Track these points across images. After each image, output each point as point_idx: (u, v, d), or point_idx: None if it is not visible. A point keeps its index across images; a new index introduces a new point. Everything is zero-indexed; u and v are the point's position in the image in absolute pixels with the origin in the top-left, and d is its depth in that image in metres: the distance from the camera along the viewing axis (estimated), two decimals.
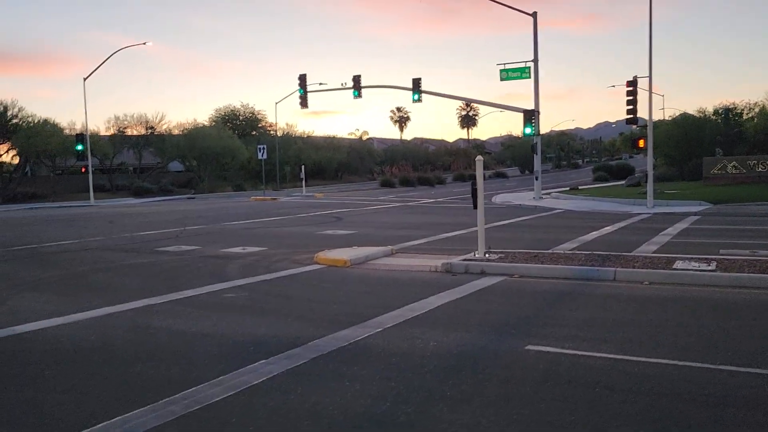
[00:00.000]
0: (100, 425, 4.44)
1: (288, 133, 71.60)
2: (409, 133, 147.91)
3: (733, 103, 45.98)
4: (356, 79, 36.98)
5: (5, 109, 50.13)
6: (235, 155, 57.50)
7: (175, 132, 59.90)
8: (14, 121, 50.91)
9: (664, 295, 8.62)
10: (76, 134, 44.77)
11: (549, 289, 9.31)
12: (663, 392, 4.92)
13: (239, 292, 9.55)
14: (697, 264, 10.11)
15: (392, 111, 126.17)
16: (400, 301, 8.51)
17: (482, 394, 4.96)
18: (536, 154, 32.58)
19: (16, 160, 54.30)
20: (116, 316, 8.05)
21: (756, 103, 44.45)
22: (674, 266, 10.05)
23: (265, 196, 41.39)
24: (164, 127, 59.97)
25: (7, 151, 51.22)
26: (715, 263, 10.13)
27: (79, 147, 42.12)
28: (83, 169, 45.49)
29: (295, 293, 9.44)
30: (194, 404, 4.84)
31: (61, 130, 52.27)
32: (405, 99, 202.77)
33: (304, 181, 47.50)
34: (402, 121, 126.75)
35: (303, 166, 48.40)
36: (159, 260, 13.07)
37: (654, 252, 12.37)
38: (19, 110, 51.65)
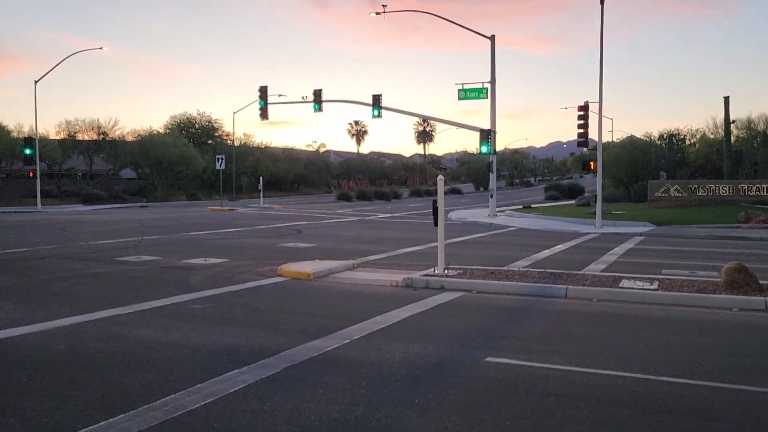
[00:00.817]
0: (88, 428, 4.64)
1: (245, 143, 71.26)
2: (367, 147, 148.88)
3: (677, 129, 48.13)
4: (317, 93, 37.32)
5: None
6: (191, 164, 56.95)
7: (129, 138, 58.93)
8: None
9: (611, 312, 9.22)
10: (25, 138, 43.64)
11: (506, 304, 9.82)
12: (610, 400, 5.41)
13: (206, 303, 9.73)
14: (641, 283, 10.79)
15: (350, 124, 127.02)
16: (364, 314, 8.85)
17: (447, 402, 5.35)
18: (492, 172, 33.47)
19: None
20: (84, 325, 8.14)
21: (698, 129, 46.72)
22: (620, 285, 10.71)
23: (222, 206, 41.13)
24: (117, 133, 58.92)
25: None
26: (657, 282, 10.84)
27: (28, 151, 41.10)
28: (31, 174, 44.25)
29: (261, 305, 9.67)
30: (175, 410, 5.08)
31: (8, 132, 50.82)
32: (363, 113, 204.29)
33: (261, 193, 47.39)
34: (359, 134, 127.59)
35: (261, 178, 48.29)
36: (120, 270, 13.07)
37: (602, 271, 13.06)
38: None
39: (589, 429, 4.78)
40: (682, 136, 47.51)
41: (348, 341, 7.36)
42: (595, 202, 26.86)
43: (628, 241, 20.08)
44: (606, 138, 60.64)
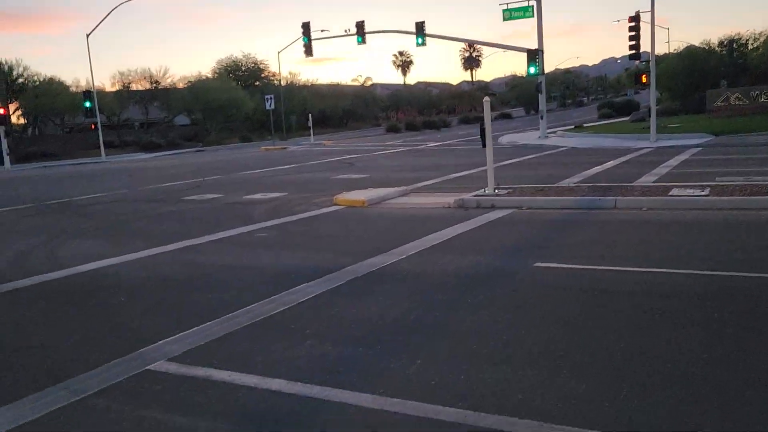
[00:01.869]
0: (182, 333, 5.36)
1: (292, 82, 71.54)
2: (413, 78, 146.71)
3: (738, 34, 45.68)
4: (359, 25, 37.01)
5: (10, 69, 50.43)
6: (240, 106, 57.84)
7: (180, 85, 60.14)
8: (20, 80, 51.32)
9: (659, 219, 9.43)
10: (84, 91, 45.13)
11: (555, 218, 10.13)
12: (652, 292, 5.79)
13: (269, 231, 10.42)
14: (691, 190, 10.88)
15: (395, 55, 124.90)
16: (418, 233, 9.36)
17: (497, 302, 5.84)
18: (541, 93, 32.91)
19: (23, 121, 54.89)
20: (162, 255, 8.95)
21: (761, 32, 44.16)
22: (670, 193, 10.82)
23: (275, 145, 42.00)
24: (168, 80, 60.21)
25: (14, 111, 51.72)
26: (708, 189, 10.90)
27: (87, 104, 42.56)
28: (93, 126, 45.97)
29: (321, 231, 10.31)
30: (255, 317, 5.75)
31: (67, 87, 52.67)
32: (408, 42, 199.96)
33: (311, 130, 47.96)
34: (405, 65, 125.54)
35: (310, 115, 48.75)
36: (187, 208, 13.94)
37: (653, 182, 13.11)
38: (24, 69, 51.99)
39: (630, 317, 5.19)
40: (744, 41, 45.09)
41: (404, 257, 7.90)
42: (650, 116, 26.25)
43: (683, 153, 19.76)
44: (662, 49, 57.89)
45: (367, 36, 37.24)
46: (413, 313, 5.66)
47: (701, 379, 3.97)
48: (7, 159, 38.12)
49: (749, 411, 3.53)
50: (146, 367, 4.68)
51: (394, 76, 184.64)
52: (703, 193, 10.53)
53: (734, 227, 8.57)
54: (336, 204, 13.09)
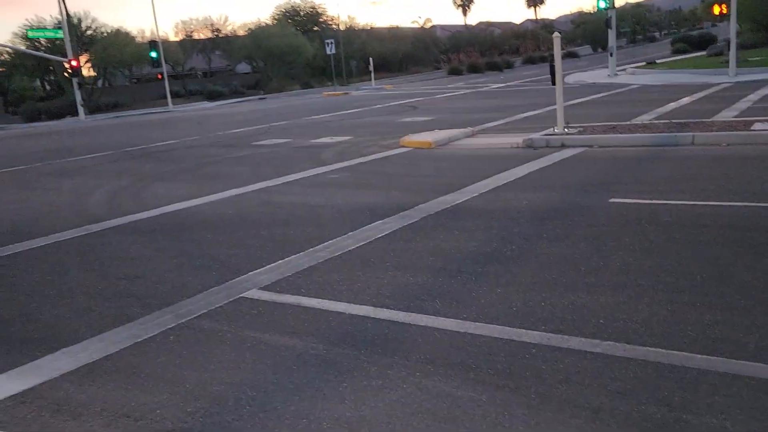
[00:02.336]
0: (269, 265, 5.69)
1: (350, 26, 70.85)
2: (474, 18, 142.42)
3: None
4: None
5: (79, 21, 51.87)
6: (300, 52, 57.84)
7: (240, 33, 60.60)
8: (89, 32, 52.81)
9: (739, 154, 9.12)
10: (149, 42, 46.09)
11: (628, 155, 9.94)
12: (731, 225, 5.71)
13: (340, 173, 10.66)
14: None
15: None
16: (488, 172, 9.38)
17: (573, 235, 5.89)
18: (610, 28, 31.51)
19: (93, 72, 56.70)
20: (242, 196, 9.33)
21: None
22: (752, 128, 10.39)
23: (336, 91, 42.08)
24: (229, 28, 60.78)
25: (85, 63, 53.46)
26: None
27: (154, 54, 43.48)
28: (159, 76, 47.10)
29: (391, 171, 10.47)
30: (336, 251, 6.01)
31: (133, 38, 53.89)
32: None
33: (372, 74, 47.67)
34: (465, 4, 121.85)
35: (371, 59, 48.36)
36: (258, 152, 14.34)
37: (734, 117, 12.58)
38: (92, 21, 53.42)
39: (711, 247, 5.16)
40: None
41: (477, 194, 7.98)
42: (729, 50, 24.80)
43: (765, 87, 18.72)
44: None
45: None
46: (490, 245, 5.80)
47: None
48: (81, 110, 39.76)
49: None
50: (241, 295, 5.02)
51: (454, 17, 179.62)
52: None
53: None
54: (403, 146, 13.19)
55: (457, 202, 7.66)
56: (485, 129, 14.70)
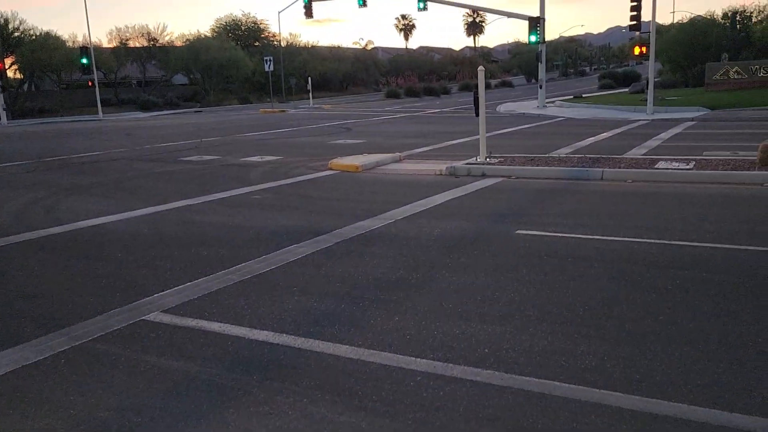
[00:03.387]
0: (178, 287, 5.68)
1: (292, 43, 70.87)
2: (415, 42, 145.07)
3: (743, 6, 45.33)
4: None
5: (6, 21, 49.86)
6: (239, 67, 57.42)
7: (178, 44, 59.59)
8: (16, 34, 50.79)
9: (643, 191, 9.72)
10: (81, 47, 44.76)
11: (542, 187, 10.41)
12: (622, 259, 6.10)
13: (264, 194, 10.69)
14: (677, 164, 11.14)
15: (397, 18, 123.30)
16: (408, 199, 9.64)
17: (477, 264, 6.15)
18: (540, 62, 32.82)
19: (19, 75, 54.46)
20: (161, 213, 9.23)
21: (766, 5, 43.83)
22: (656, 166, 11.09)
23: (273, 108, 41.94)
24: (167, 38, 59.70)
25: (10, 66, 51.30)
26: (693, 163, 11.16)
27: (84, 60, 42.26)
28: (90, 84, 45.75)
29: (314, 194, 10.58)
30: (247, 274, 6.06)
31: (64, 42, 52.15)
32: (410, 6, 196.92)
33: (311, 93, 47.82)
34: (407, 29, 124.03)
35: (309, 78, 48.53)
36: (185, 168, 14.17)
37: (643, 155, 13.35)
38: (21, 23, 51.37)
39: (599, 280, 5.51)
40: (747, 14, 44.71)
41: (392, 221, 8.19)
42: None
43: (676, 126, 19.94)
44: (666, 20, 57.13)
45: None
46: (397, 272, 5.98)
47: (654, 336, 4.29)
48: (3, 114, 38.09)
49: (686, 363, 3.86)
50: (142, 317, 5.00)
51: (396, 41, 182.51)
52: (687, 167, 10.80)
53: (714, 200, 8.85)
54: (331, 168, 13.33)
55: (373, 228, 7.84)
56: (413, 155, 15.04)
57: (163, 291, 5.61)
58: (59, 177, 13.33)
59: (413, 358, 4.11)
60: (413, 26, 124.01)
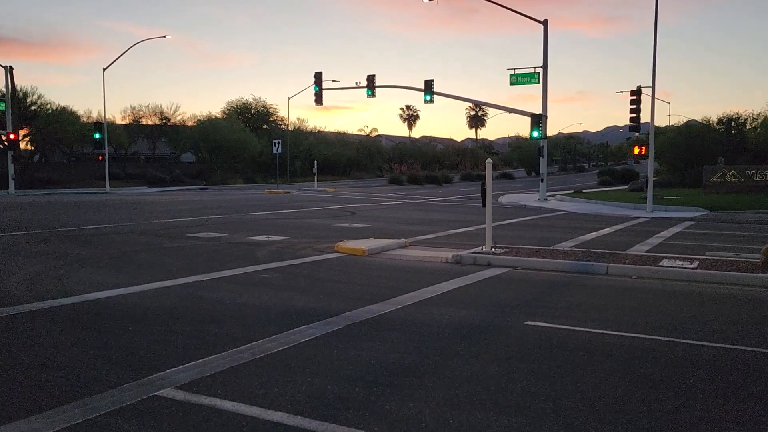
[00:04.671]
0: (189, 364, 5.68)
1: (299, 127, 72.94)
2: (418, 131, 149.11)
3: (737, 113, 47.06)
4: (370, 79, 38.14)
5: (24, 96, 51.52)
6: (247, 148, 58.83)
7: (189, 123, 61.37)
8: (33, 107, 52.36)
9: (647, 287, 9.81)
10: (94, 123, 46.05)
11: (548, 279, 10.51)
12: (632, 356, 6.13)
13: (272, 273, 10.78)
14: (681, 262, 11.29)
15: (402, 109, 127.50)
16: (415, 285, 9.72)
17: (488, 353, 6.17)
18: (542, 157, 33.71)
19: (31, 147, 55.66)
20: (170, 289, 9.28)
21: (759, 113, 45.52)
22: (660, 263, 11.23)
23: (279, 189, 42.63)
24: (179, 118, 61.54)
25: (23, 137, 52.55)
26: (697, 262, 11.31)
27: (97, 135, 43.35)
28: (100, 158, 46.70)
29: (322, 276, 10.66)
30: (258, 353, 6.06)
31: (78, 117, 53.70)
32: (416, 98, 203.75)
33: (315, 176, 48.73)
34: (411, 119, 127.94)
35: (315, 162, 49.60)
36: (193, 245, 14.31)
37: (646, 251, 13.54)
38: (38, 98, 53.08)
39: (612, 376, 5.52)
40: (742, 120, 46.42)
41: (401, 306, 8.24)
42: (647, 187, 26.88)
43: (676, 225, 20.27)
44: (663, 122, 59.34)
45: (376, 90, 38.34)
46: (408, 358, 5.99)
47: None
48: (12, 184, 38.65)
49: None
50: (155, 393, 4.98)
51: (400, 129, 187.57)
52: (691, 266, 10.95)
53: (720, 300, 8.94)
54: (337, 251, 13.47)
55: (383, 312, 7.89)
56: (418, 241, 15.22)
57: (175, 367, 5.60)
58: (68, 248, 13.44)
59: None
60: (417, 116, 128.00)
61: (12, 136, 39.97)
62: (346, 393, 5.05)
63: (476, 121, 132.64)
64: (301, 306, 8.21)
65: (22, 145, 53.33)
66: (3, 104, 41.66)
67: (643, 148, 28.12)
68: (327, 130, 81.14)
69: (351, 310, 7.91)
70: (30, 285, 9.35)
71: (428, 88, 36.60)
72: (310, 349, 6.28)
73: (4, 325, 7.01)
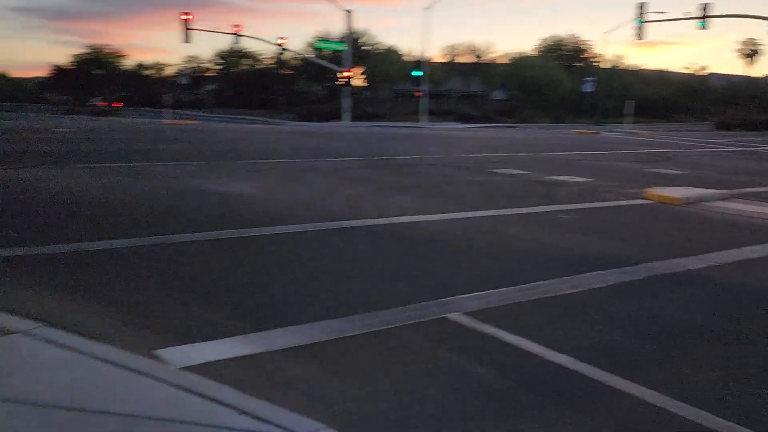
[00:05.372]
0: (479, 293, 5.85)
1: (615, 65, 68.06)
2: (761, 70, 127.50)
3: None
4: (703, 7, 33.49)
5: (357, 37, 57.51)
6: (557, 86, 57.26)
7: (502, 61, 61.89)
8: (365, 48, 58.29)
9: None
10: (415, 61, 49.40)
11: None
12: None
13: (571, 214, 10.43)
14: None
15: (741, 43, 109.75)
16: (737, 242, 8.48)
17: None
18: None
19: (363, 83, 62.31)
20: (471, 219, 9.63)
21: None
22: None
23: (587, 129, 40.89)
24: (491, 56, 62.46)
25: (359, 75, 59.05)
26: None
27: (415, 73, 46.52)
28: (417, 94, 50.17)
29: (625, 221, 9.98)
30: (547, 292, 5.96)
31: (400, 56, 58.20)
32: (759, 29, 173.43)
33: (629, 117, 45.41)
34: (751, 54, 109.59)
35: (626, 102, 46.13)
36: (493, 180, 14.60)
37: None
38: (369, 38, 58.84)
39: None
40: None
41: (716, 264, 7.27)
42: None
43: None
44: None
45: (710, 20, 33.56)
46: (716, 323, 5.28)
47: None
48: (346, 116, 44.03)
49: None
50: (444, 315, 5.25)
51: (734, 67, 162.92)
52: None
53: None
54: (645, 197, 12.42)
55: (691, 267, 7.07)
56: (744, 194, 13.18)
57: (465, 293, 5.82)
58: (383, 174, 14.85)
59: (712, 415, 3.57)
60: (757, 52, 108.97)
61: (349, 74, 45.22)
62: (635, 348, 4.69)
63: None
64: (597, 250, 7.81)
65: (357, 82, 60.24)
66: (344, 44, 47.13)
67: None
68: (647, 68, 74.26)
69: (652, 261, 7.25)
70: (351, 204, 10.61)
71: None
72: (602, 296, 5.95)
73: (326, 238, 8.10)
